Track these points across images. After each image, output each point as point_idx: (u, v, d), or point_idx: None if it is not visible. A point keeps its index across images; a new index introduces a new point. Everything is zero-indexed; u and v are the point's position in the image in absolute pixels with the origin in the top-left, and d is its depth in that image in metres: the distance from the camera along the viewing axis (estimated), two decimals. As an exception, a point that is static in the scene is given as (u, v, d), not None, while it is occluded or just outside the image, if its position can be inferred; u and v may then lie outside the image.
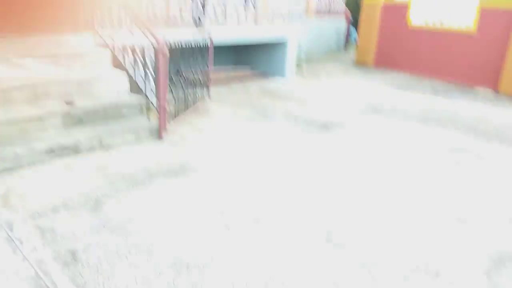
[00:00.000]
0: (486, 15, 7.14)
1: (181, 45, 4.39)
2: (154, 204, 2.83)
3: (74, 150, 3.47)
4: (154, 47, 3.93)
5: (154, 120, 4.09)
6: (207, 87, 5.40)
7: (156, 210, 2.76)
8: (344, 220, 2.75)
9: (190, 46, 4.57)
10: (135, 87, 4.29)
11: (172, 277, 2.13)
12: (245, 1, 6.66)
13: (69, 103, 3.73)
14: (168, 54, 3.92)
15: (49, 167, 3.26)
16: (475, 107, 5.88)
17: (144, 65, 4.07)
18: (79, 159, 3.44)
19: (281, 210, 2.84)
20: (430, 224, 2.75)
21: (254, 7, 6.74)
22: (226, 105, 5.37)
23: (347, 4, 11.99)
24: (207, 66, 5.24)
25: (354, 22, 12.20)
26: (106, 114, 3.93)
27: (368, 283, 2.15)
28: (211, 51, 5.21)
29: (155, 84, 4.05)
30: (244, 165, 3.55)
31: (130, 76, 4.25)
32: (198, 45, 4.83)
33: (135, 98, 4.20)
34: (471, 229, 2.71)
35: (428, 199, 3.11)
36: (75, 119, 3.71)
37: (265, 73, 7.33)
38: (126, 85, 4.30)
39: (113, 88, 4.21)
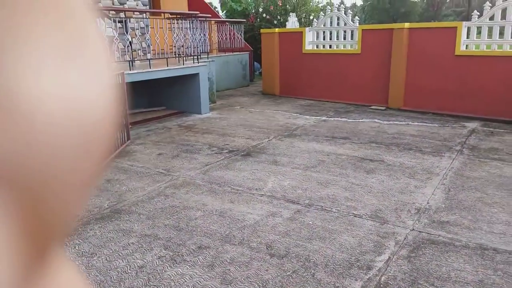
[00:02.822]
0: (367, 36, 8.23)
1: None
2: (91, 251, 2.78)
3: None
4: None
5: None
6: (127, 129, 5.39)
7: (93, 256, 2.72)
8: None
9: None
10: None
11: (128, 314, 2.14)
12: (147, 43, 6.84)
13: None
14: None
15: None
16: (372, 122, 6.69)
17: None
18: None
19: (225, 238, 2.99)
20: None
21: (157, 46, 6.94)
22: (149, 145, 5.40)
23: (247, 39, 12.83)
24: (124, 107, 5.25)
25: (257, 55, 13.07)
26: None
27: (312, 283, 2.39)
28: (124, 90, 5.25)
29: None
30: (177, 199, 3.64)
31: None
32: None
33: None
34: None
35: (339, 195, 3.51)
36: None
37: (181, 112, 7.49)
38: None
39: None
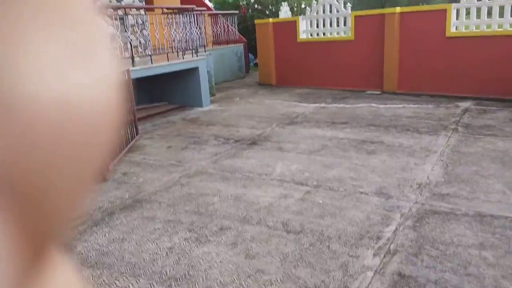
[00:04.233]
0: (360, 22, 8.41)
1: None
2: (120, 237, 3.00)
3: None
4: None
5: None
6: (135, 124, 5.57)
7: (124, 241, 2.93)
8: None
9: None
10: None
11: (165, 289, 2.37)
12: (146, 39, 6.98)
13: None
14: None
15: None
16: (369, 107, 6.92)
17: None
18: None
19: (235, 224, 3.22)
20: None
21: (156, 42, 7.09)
22: (157, 139, 5.60)
23: (240, 31, 12.95)
24: (131, 103, 5.43)
25: (251, 47, 13.21)
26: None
27: (328, 254, 2.63)
28: (130, 86, 5.41)
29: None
30: (193, 187, 3.85)
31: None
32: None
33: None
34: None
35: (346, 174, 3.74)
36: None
37: (183, 106, 7.66)
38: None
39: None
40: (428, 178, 3.76)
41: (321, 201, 3.40)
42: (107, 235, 3.03)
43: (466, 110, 6.24)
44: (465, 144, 4.64)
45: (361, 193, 3.52)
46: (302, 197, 3.50)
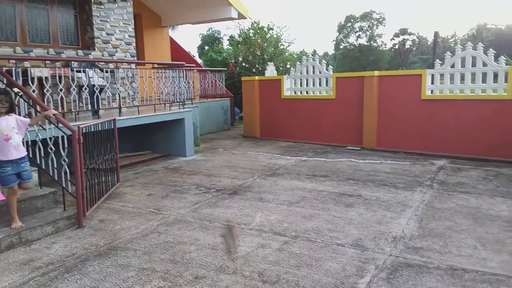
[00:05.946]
0: (341, 83, 8.84)
1: (91, 131, 4.60)
2: (92, 284, 2.93)
3: (-7, 249, 3.36)
4: (67, 137, 4.13)
5: (71, 209, 4.15)
6: (117, 172, 5.59)
7: (98, 288, 2.87)
8: (270, 262, 3.21)
9: (98, 131, 4.81)
10: (47, 179, 4.33)
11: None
12: (135, 91, 7.19)
13: (-20, 202, 3.64)
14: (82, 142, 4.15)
15: (-33, 270, 3.11)
16: (349, 161, 7.10)
17: (59, 156, 4.20)
18: (1, 257, 3.34)
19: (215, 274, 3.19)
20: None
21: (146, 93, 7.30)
22: (137, 187, 5.59)
23: (227, 86, 13.41)
24: (114, 151, 5.48)
25: (237, 101, 13.62)
26: (20, 210, 3.88)
27: None
28: (116, 135, 5.49)
29: (70, 173, 4.18)
30: (170, 236, 3.83)
31: (41, 169, 4.30)
32: (105, 130, 5.09)
33: (48, 190, 4.23)
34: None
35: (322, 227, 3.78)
36: (-11, 218, 3.61)
37: (166, 155, 7.74)
38: (36, 178, 4.32)
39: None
40: (403, 231, 3.84)
41: (298, 252, 3.41)
42: (78, 282, 2.96)
43: (441, 168, 6.46)
44: (439, 200, 4.77)
45: (338, 244, 3.56)
46: (280, 247, 3.52)
